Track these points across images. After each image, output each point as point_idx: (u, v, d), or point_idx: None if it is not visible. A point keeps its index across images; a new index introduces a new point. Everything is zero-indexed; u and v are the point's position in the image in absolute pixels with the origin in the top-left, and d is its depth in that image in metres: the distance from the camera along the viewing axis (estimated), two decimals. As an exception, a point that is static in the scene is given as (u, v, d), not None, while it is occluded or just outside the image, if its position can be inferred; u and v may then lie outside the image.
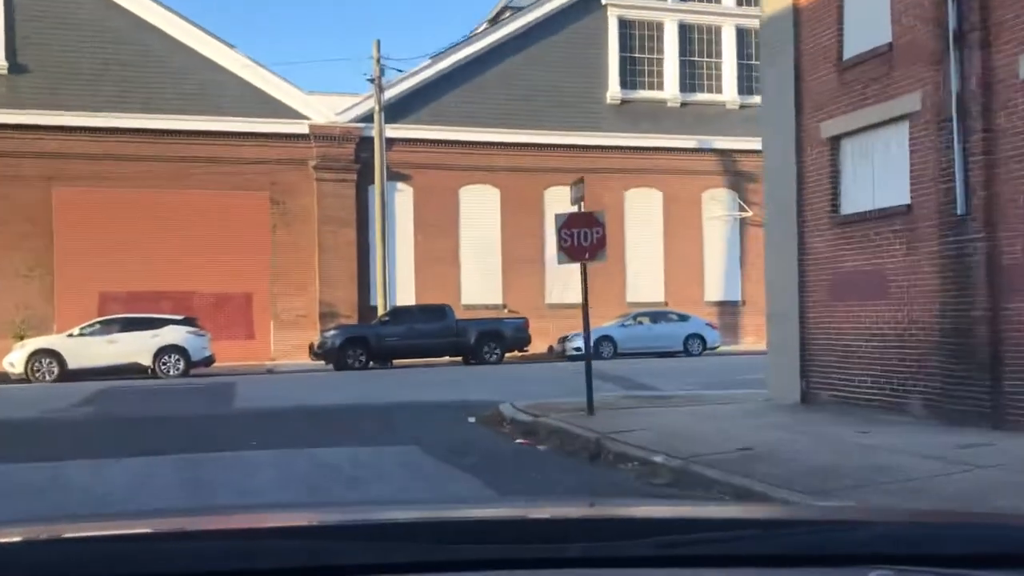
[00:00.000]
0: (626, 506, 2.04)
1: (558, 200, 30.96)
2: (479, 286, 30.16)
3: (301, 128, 28.70)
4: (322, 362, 24.11)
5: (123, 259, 27.39)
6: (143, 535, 1.43)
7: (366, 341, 23.59)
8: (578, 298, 29.41)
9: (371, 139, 28.78)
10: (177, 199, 27.90)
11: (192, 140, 27.89)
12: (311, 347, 24.38)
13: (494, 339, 24.26)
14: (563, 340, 25.72)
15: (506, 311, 30.09)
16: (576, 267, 12.06)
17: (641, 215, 31.82)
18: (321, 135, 28.81)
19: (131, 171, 27.52)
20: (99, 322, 22.86)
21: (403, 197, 29.80)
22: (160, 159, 27.68)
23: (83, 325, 22.71)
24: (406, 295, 28.85)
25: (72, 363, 21.76)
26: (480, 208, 30.45)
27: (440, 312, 24.64)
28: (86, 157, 27.19)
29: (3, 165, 26.52)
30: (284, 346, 28.68)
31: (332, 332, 23.82)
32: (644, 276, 31.65)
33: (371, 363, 23.81)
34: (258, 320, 28.61)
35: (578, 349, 24.89)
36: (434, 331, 24.06)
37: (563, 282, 30.17)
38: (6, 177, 26.51)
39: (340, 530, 1.38)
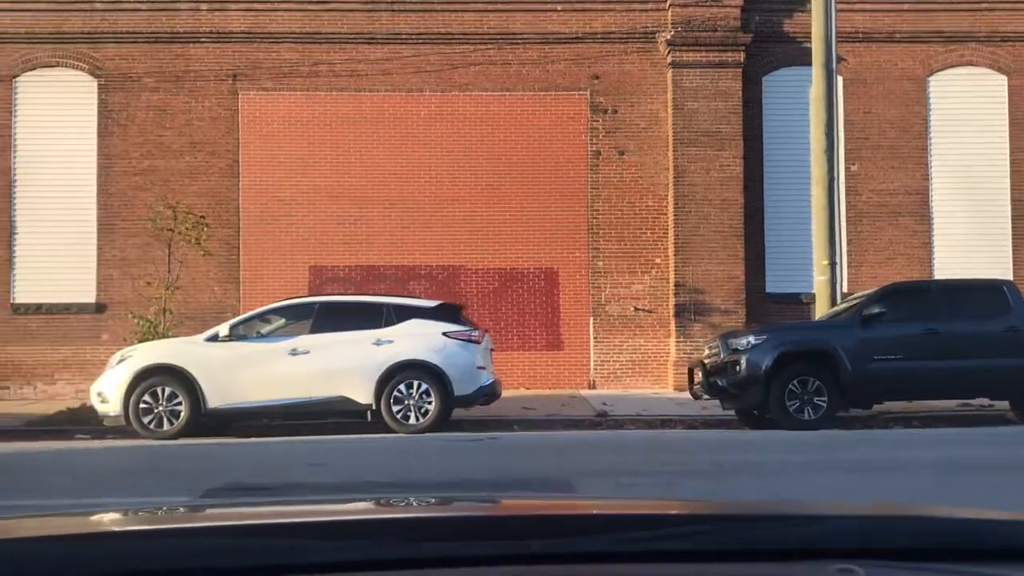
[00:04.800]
0: (588, 502, 1.96)
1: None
2: (964, 254, 16.03)
3: (645, -26, 16.10)
4: (715, 401, 11.28)
5: (350, 214, 16.11)
6: (100, 533, 1.34)
7: (831, 360, 10.37)
8: None
9: (771, -14, 15.67)
10: (434, 109, 16.24)
11: (458, 6, 16.12)
12: (697, 372, 11.43)
13: None
14: None
15: None
16: None
17: None
18: (680, -16, 16.03)
19: (358, 62, 16.14)
20: (273, 311, 11.30)
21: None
22: (408, 39, 16.12)
23: (242, 317, 11.28)
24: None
25: (213, 396, 10.38)
26: (968, 112, 16.34)
27: (994, 296, 10.88)
28: (289, 38, 16.13)
29: (157, 56, 16.03)
30: (613, 363, 16.16)
31: (749, 340, 10.77)
32: None
33: (834, 410, 10.57)
34: (568, 316, 16.30)
35: None
36: (984, 339, 10.42)
37: None
38: (163, 73, 15.97)
39: (303, 528, 1.32)
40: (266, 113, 16.20)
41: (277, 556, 1.13)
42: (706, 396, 11.28)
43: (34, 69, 16.08)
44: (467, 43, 16.14)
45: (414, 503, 1.73)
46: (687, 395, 14.49)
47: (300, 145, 16.19)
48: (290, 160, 16.16)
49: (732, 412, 11.52)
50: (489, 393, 10.90)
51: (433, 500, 1.94)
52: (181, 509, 1.65)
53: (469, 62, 16.18)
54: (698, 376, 11.33)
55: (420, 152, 16.19)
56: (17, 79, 16.03)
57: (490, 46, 16.15)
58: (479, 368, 10.73)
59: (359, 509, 1.63)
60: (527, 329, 16.25)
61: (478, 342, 10.90)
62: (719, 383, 10.77)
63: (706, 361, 11.18)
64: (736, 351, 10.68)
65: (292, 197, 16.17)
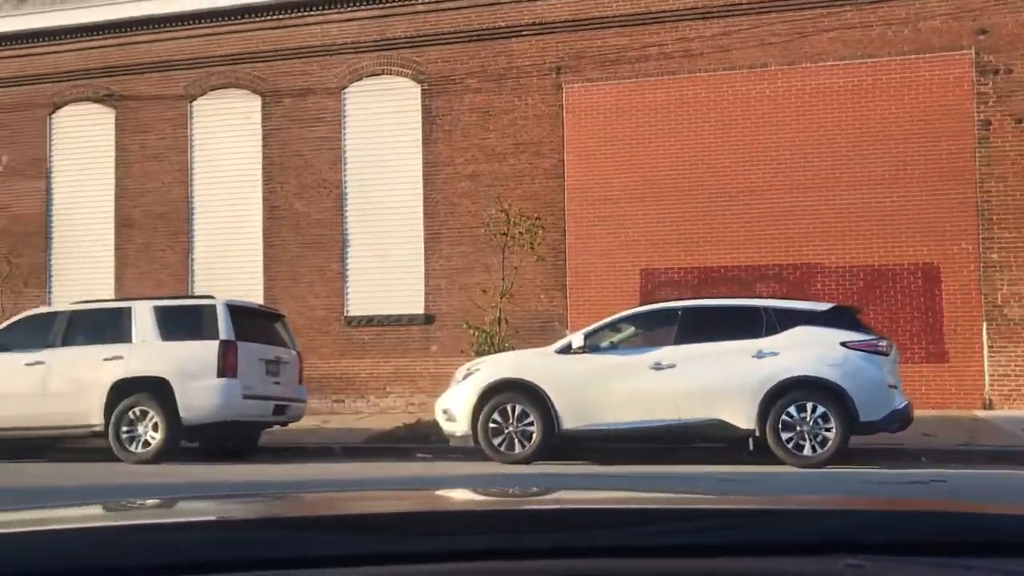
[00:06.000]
0: (594, 496, 1.88)
1: None
2: None
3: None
4: None
5: (683, 210, 14.44)
6: (111, 528, 1.30)
7: None
8: None
9: None
10: (780, 86, 14.18)
11: (808, -34, 13.97)
12: None
13: None
14: None
15: None
16: None
17: None
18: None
19: (691, 40, 14.43)
20: (629, 318, 9.77)
21: None
22: (747, 9, 14.20)
23: (596, 325, 9.80)
24: None
25: (568, 416, 9.05)
26: None
27: None
28: (615, 22, 14.74)
29: (478, 55, 15.23)
30: (1015, 377, 13.21)
31: None
32: None
33: None
34: (954, 321, 13.54)
35: None
36: None
37: None
38: (485, 72, 15.16)
39: (305, 521, 1.33)
40: (591, 105, 14.94)
41: (283, 548, 1.12)
42: None
43: (360, 79, 15.90)
44: (818, 7, 13.95)
45: (414, 496, 1.69)
46: None
47: (628, 137, 14.76)
48: (617, 155, 14.78)
49: None
50: (903, 418, 8.73)
51: (434, 493, 1.85)
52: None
53: (821, 28, 13.97)
54: None
55: (764, 135, 14.19)
56: (345, 90, 15.94)
57: (846, 7, 13.85)
58: (890, 387, 8.58)
59: (359, 504, 1.55)
60: (901, 337, 13.65)
61: (886, 354, 8.76)
62: None
63: None
64: None
65: (620, 195, 14.77)
